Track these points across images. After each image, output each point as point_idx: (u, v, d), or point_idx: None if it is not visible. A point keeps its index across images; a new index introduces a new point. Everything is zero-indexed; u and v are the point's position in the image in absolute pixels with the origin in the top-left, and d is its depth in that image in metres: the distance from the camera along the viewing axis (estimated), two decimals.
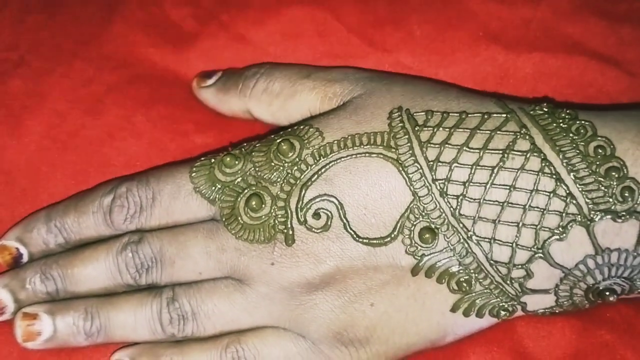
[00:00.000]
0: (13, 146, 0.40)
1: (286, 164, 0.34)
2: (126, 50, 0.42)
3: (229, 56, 0.43)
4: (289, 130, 0.36)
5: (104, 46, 0.42)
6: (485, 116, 0.34)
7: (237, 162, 0.35)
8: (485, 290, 0.33)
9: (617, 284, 0.33)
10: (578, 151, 0.32)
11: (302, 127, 0.35)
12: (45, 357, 0.36)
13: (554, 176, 0.32)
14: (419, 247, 0.33)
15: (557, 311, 0.34)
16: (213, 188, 0.35)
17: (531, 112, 0.34)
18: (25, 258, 0.37)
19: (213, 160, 0.36)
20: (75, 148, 0.40)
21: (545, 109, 0.34)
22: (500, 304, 0.34)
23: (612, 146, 0.32)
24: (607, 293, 0.33)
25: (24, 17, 0.42)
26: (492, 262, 0.33)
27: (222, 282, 0.35)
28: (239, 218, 0.34)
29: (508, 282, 0.33)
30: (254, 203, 0.34)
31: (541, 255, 0.32)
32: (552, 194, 0.32)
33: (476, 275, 0.33)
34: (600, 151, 0.32)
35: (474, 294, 0.33)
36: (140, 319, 0.35)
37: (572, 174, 0.32)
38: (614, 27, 0.40)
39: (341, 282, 0.34)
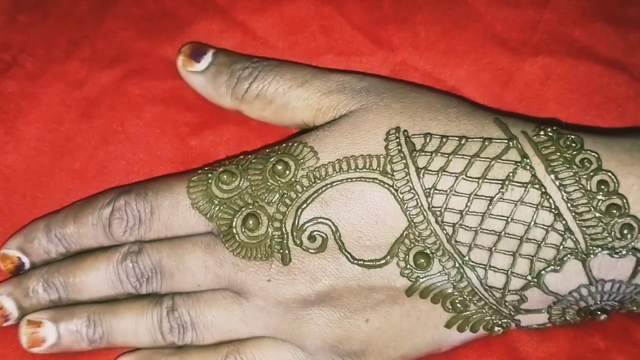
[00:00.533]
0: (11, 150, 0.39)
1: (282, 184, 0.34)
2: (119, 46, 0.41)
3: (226, 45, 0.41)
4: (284, 146, 0.35)
5: (97, 44, 0.41)
6: (486, 142, 0.33)
7: (234, 179, 0.35)
8: (479, 310, 0.34)
9: (608, 304, 0.33)
10: (580, 185, 0.31)
11: (296, 144, 0.35)
12: (50, 358, 0.37)
13: (553, 210, 0.31)
14: (414, 271, 0.33)
15: (549, 327, 0.35)
16: (210, 205, 0.35)
17: (534, 138, 0.33)
18: (27, 266, 0.38)
19: (210, 175, 0.35)
20: (71, 152, 0.40)
21: (550, 134, 0.33)
22: (494, 321, 0.34)
23: (615, 182, 0.31)
24: (599, 312, 0.33)
25: (15, 16, 0.41)
26: (486, 287, 0.33)
27: (220, 293, 0.36)
28: (236, 236, 0.34)
29: (502, 305, 0.33)
30: (250, 223, 0.34)
31: (535, 284, 0.32)
32: (550, 228, 0.32)
33: (470, 297, 0.33)
34: (603, 187, 0.31)
35: (468, 312, 0.34)
36: (141, 327, 0.36)
37: (571, 209, 0.31)
38: (622, 32, 0.39)
39: (336, 300, 0.34)
